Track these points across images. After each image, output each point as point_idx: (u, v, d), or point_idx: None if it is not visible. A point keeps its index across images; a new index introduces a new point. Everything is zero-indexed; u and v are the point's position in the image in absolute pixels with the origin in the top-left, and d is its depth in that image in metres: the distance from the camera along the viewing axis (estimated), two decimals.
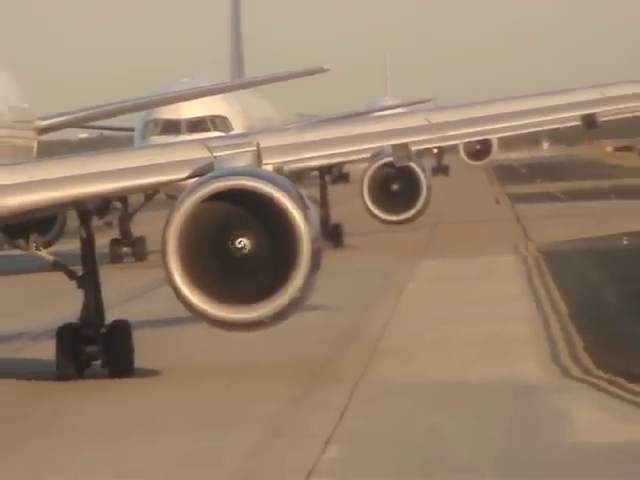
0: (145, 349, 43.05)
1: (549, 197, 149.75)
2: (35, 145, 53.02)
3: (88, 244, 44.82)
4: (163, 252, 38.67)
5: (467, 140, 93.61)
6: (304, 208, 38.37)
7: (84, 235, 44.75)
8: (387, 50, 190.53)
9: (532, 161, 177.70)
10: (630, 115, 57.87)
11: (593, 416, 30.66)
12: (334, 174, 75.11)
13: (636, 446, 24.79)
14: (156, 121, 62.06)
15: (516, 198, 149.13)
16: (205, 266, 39.19)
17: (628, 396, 32.22)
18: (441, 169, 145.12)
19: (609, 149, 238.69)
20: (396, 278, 63.77)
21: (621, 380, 34.49)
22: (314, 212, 40.67)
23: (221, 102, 64.45)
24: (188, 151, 44.09)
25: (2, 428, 32.48)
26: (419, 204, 64.40)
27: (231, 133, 76.35)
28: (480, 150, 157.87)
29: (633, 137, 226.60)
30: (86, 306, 42.82)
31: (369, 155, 66.29)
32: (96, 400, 38.08)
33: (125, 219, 72.73)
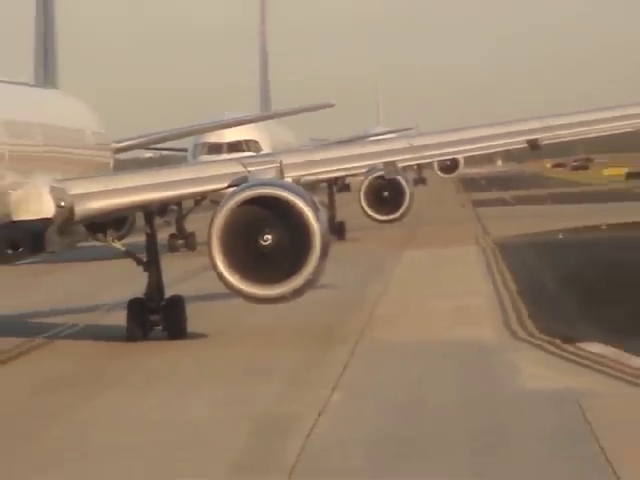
0: (195, 318, 43.23)
1: (502, 202, 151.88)
2: (111, 162, 52.04)
3: (152, 237, 45.48)
4: (208, 245, 39.68)
5: (440, 159, 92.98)
6: (316, 210, 39.65)
7: (148, 231, 45.30)
8: (379, 84, 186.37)
9: (489, 175, 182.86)
10: (565, 140, 58.52)
11: (535, 368, 32.30)
12: (339, 185, 71.86)
13: (567, 390, 27.40)
14: (204, 144, 59.39)
15: (477, 203, 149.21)
16: (240, 255, 39.53)
17: (563, 354, 34.31)
18: (420, 180, 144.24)
19: (548, 165, 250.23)
20: (386, 263, 61.93)
21: (557, 341, 36.62)
22: (323, 213, 41.85)
23: (253, 129, 61.43)
24: (228, 167, 45.88)
25: (84, 380, 34.91)
26: (403, 207, 62.39)
27: (260, 153, 71.84)
28: (450, 166, 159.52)
29: (566, 156, 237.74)
30: (150, 284, 43.87)
31: (365, 170, 60.90)
32: (157, 358, 39.25)
33: (180, 219, 71.55)
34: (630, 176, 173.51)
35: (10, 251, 42.16)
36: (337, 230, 67.09)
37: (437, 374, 33.17)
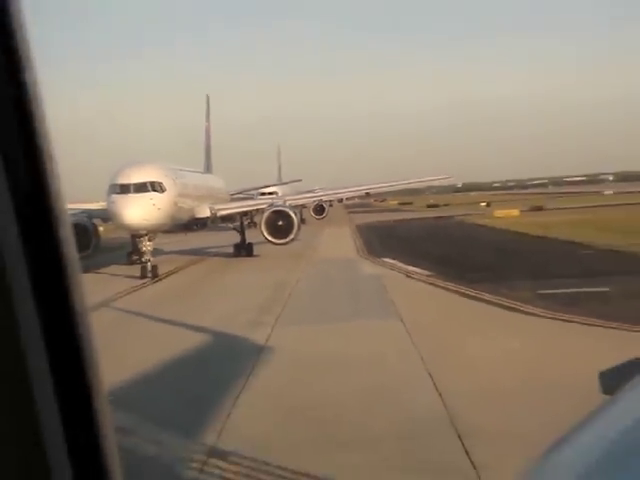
0: (256, 250, 72.94)
1: (364, 212, 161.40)
2: (228, 199, 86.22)
3: (241, 224, 77.92)
4: (260, 225, 71.12)
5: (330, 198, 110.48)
6: (295, 215, 72.76)
7: (239, 222, 77.73)
8: (281, 151, 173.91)
9: (356, 203, 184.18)
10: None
11: (367, 267, 60.72)
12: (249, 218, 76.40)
13: (377, 274, 55.11)
14: (116, 185, 55.20)
15: (350, 212, 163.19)
16: (270, 229, 70.09)
17: (376, 261, 63.98)
18: (319, 210, 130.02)
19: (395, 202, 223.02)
20: (300, 254, 68.19)
21: (375, 258, 65.76)
22: (298, 217, 74.84)
23: (158, 174, 58.27)
24: (265, 201, 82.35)
25: (221, 269, 64.57)
26: (293, 234, 64.76)
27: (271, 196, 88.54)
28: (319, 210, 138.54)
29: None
30: (241, 239, 75.06)
31: (266, 206, 69.96)
32: (245, 260, 70.45)
33: (244, 225, 73.33)
34: (429, 206, 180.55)
35: (195, 227, 72.97)
36: (247, 249, 71.82)
37: (334, 267, 60.70)
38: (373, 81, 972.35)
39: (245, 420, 20.17)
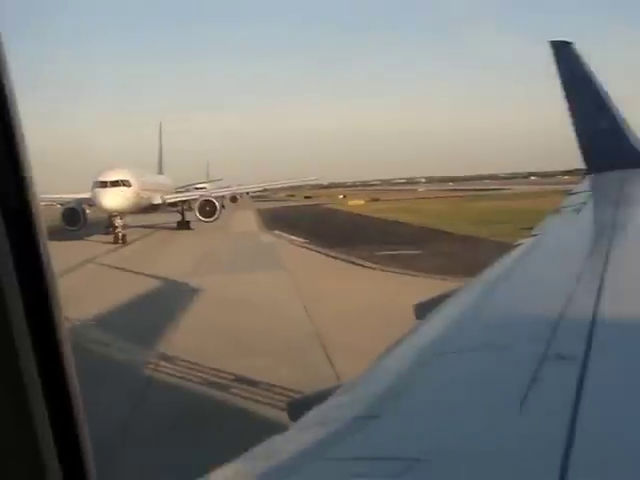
0: (192, 226, 66.77)
1: (263, 201, 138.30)
2: (174, 192, 77.59)
3: (182, 208, 71.68)
4: (194, 210, 66.25)
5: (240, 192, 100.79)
6: (218, 202, 66.97)
7: (180, 207, 71.80)
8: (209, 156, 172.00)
9: (259, 195, 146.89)
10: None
11: (266, 237, 55.73)
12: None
13: (270, 241, 51.11)
14: (97, 181, 54.79)
15: (255, 201, 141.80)
16: (202, 212, 65.37)
17: (271, 233, 58.10)
18: (234, 200, 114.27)
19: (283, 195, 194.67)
20: (221, 228, 63.16)
21: (270, 230, 60.74)
22: (220, 204, 68.10)
23: (126, 173, 57.51)
24: (198, 192, 76.69)
25: (168, 238, 59.61)
26: (216, 215, 61.93)
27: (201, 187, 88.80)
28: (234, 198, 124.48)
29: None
30: (182, 218, 69.88)
31: (199, 196, 66.19)
32: (185, 232, 64.77)
33: (182, 210, 69.11)
34: (305, 197, 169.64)
35: (151, 210, 67.71)
36: (185, 224, 68.49)
37: (242, 236, 57.60)
38: (278, 109, 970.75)
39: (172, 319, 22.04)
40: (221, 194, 76.98)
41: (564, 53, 11.52)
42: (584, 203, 8.10)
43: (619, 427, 1.96)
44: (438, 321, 3.71)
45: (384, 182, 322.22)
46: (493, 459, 1.86)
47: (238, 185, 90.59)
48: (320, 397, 2.75)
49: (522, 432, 1.99)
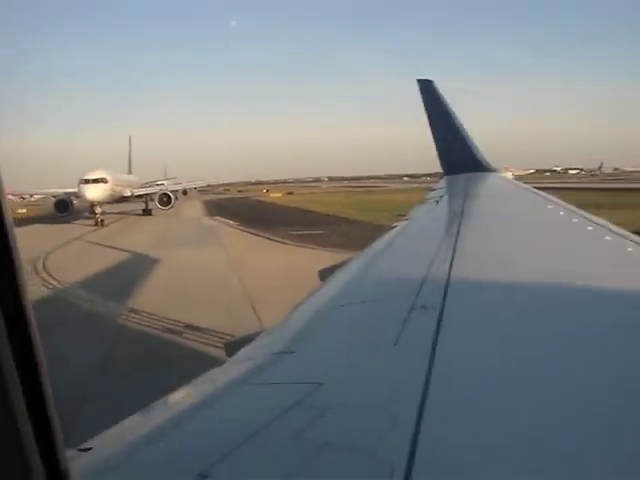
0: (153, 213, 62.73)
1: (208, 194, 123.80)
2: (140, 186, 71.60)
3: (146, 200, 65.60)
4: (156, 200, 62.27)
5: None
6: (173, 195, 63.77)
7: (146, 198, 66.04)
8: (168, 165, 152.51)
9: (205, 189, 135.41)
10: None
11: (208, 220, 53.41)
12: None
13: (215, 223, 48.72)
14: (82, 179, 52.24)
15: (201, 194, 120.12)
16: (161, 202, 61.86)
17: (212, 219, 54.21)
18: (185, 193, 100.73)
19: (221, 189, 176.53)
20: (175, 214, 60.20)
21: (212, 217, 56.21)
22: (174, 196, 64.71)
23: (103, 172, 55.12)
24: (159, 187, 70.96)
25: (134, 221, 56.62)
26: (171, 205, 59.46)
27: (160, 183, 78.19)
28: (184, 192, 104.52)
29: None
30: (146, 207, 64.86)
31: (159, 190, 63.08)
32: (147, 218, 60.26)
33: (147, 201, 64.88)
34: (239, 191, 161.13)
35: (123, 201, 62.44)
36: (147, 212, 64.50)
37: (191, 220, 54.22)
38: (217, 123, 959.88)
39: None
40: (175, 188, 74.78)
41: (427, 88, 11.89)
42: (442, 196, 8.36)
43: (469, 355, 2.07)
44: (336, 282, 3.76)
45: (297, 180, 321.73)
46: (375, 383, 1.91)
47: (188, 182, 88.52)
48: (249, 338, 2.78)
49: (396, 361, 2.08)
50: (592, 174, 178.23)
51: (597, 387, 1.75)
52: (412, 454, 1.39)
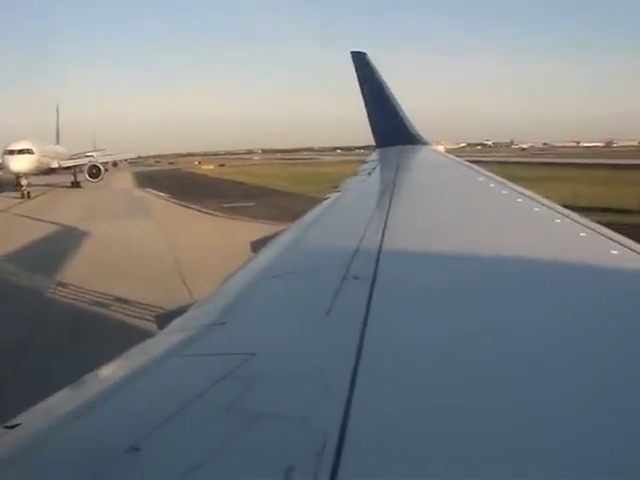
0: (84, 185, 60.68)
1: (138, 165, 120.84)
2: (68, 158, 70.58)
3: (75, 172, 64.08)
4: (85, 172, 60.89)
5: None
6: (103, 167, 63.44)
7: (75, 170, 64.25)
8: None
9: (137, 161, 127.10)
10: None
11: (138, 191, 53.23)
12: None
13: (144, 195, 48.52)
14: (6, 150, 52.16)
15: (131, 165, 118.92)
16: (90, 174, 60.78)
17: (143, 190, 54.05)
18: (115, 164, 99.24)
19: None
20: (105, 186, 59.49)
21: (142, 188, 57.37)
22: (104, 168, 64.80)
23: (29, 143, 54.35)
24: (88, 159, 68.54)
25: (62, 192, 55.56)
26: (101, 176, 58.07)
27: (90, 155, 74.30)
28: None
29: None
30: (75, 179, 63.09)
31: (88, 162, 60.77)
32: (77, 190, 59.18)
33: (75, 173, 61.78)
34: (170, 162, 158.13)
35: (50, 173, 61.38)
36: (77, 184, 62.67)
37: (121, 191, 54.58)
38: (150, 95, 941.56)
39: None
40: (105, 160, 73.74)
41: (360, 60, 11.86)
42: (374, 169, 8.40)
43: (401, 325, 2.10)
44: (268, 254, 3.74)
45: (229, 152, 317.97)
46: (307, 353, 1.91)
47: (118, 153, 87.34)
48: (180, 311, 2.74)
49: (328, 331, 2.09)
50: (522, 149, 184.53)
51: (525, 350, 1.83)
52: (344, 423, 1.40)
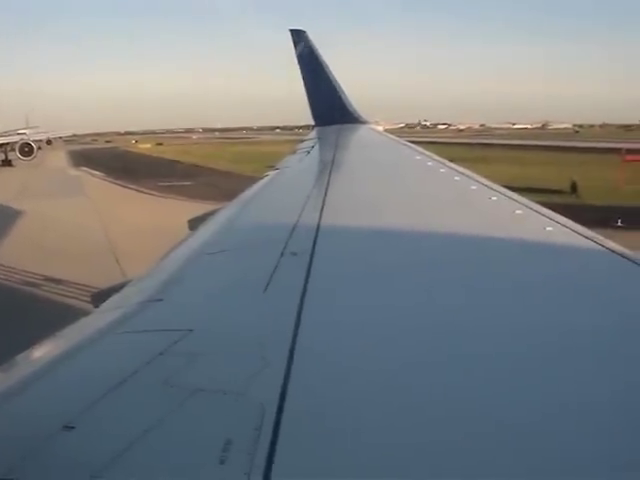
0: (15, 164, 58.55)
1: (74, 144, 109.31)
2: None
3: (6, 149, 61.92)
4: (16, 150, 58.55)
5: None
6: (36, 145, 59.80)
7: (6, 148, 62.18)
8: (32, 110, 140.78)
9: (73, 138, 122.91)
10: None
11: (73, 171, 52.64)
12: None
13: (80, 175, 47.40)
14: None
15: (67, 144, 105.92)
16: (22, 152, 58.43)
17: (77, 168, 54.32)
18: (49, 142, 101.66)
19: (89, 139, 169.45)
20: (38, 165, 57.53)
21: (77, 167, 56.36)
22: (37, 146, 61.22)
23: None
24: (20, 136, 64.37)
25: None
26: (34, 154, 55.93)
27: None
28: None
29: None
30: (6, 157, 61.02)
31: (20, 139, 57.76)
32: (8, 169, 56.87)
33: (6, 151, 60.46)
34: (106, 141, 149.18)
35: None
36: (7, 162, 61.24)
37: (55, 170, 52.61)
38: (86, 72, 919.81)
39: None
40: (38, 138, 71.16)
41: (299, 38, 11.88)
42: (312, 147, 8.49)
43: (338, 300, 2.13)
44: (206, 231, 3.75)
45: (168, 131, 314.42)
46: (245, 329, 1.92)
47: (52, 131, 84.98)
48: (116, 288, 2.72)
49: (266, 307, 2.09)
50: (459, 130, 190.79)
51: (456, 322, 1.90)
52: (282, 397, 1.42)
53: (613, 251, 2.54)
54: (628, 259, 2.41)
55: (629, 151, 36.66)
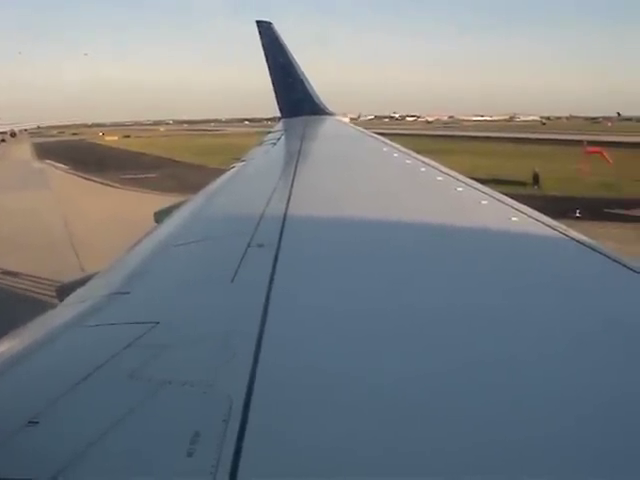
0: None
1: (39, 136, 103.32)
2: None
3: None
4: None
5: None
6: (19, 131, 64.40)
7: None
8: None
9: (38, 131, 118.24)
10: None
11: (38, 163, 50.53)
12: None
13: (45, 167, 46.12)
14: None
15: (32, 137, 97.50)
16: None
17: (42, 160, 52.47)
18: (12, 135, 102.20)
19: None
20: (1, 157, 57.17)
21: (42, 160, 53.38)
22: (0, 140, 63.90)
23: None
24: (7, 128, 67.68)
25: None
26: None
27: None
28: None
29: None
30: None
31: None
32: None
33: None
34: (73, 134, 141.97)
35: None
36: None
37: (21, 162, 51.42)
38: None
39: None
40: (1, 130, 71.06)
41: (266, 30, 11.84)
42: (279, 138, 8.51)
43: (305, 291, 2.14)
44: (172, 223, 3.75)
45: (136, 123, 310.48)
46: (212, 321, 1.92)
47: (16, 123, 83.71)
48: (81, 281, 2.71)
49: (233, 298, 2.09)
50: (427, 122, 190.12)
51: (425, 313, 1.93)
52: (250, 389, 1.42)
53: (572, 238, 2.62)
54: (588, 247, 2.48)
55: (590, 143, 37.35)
